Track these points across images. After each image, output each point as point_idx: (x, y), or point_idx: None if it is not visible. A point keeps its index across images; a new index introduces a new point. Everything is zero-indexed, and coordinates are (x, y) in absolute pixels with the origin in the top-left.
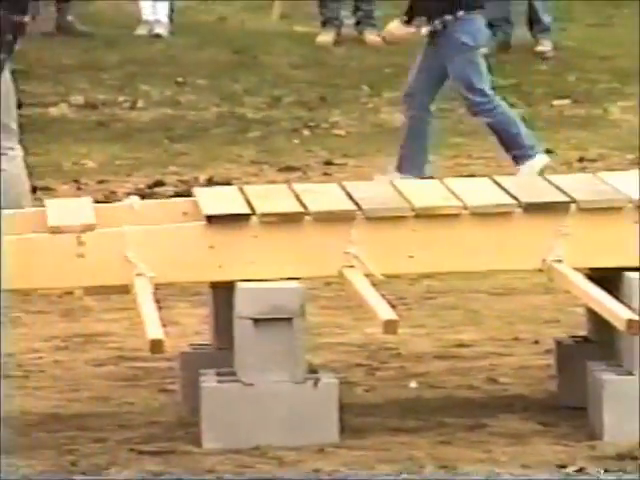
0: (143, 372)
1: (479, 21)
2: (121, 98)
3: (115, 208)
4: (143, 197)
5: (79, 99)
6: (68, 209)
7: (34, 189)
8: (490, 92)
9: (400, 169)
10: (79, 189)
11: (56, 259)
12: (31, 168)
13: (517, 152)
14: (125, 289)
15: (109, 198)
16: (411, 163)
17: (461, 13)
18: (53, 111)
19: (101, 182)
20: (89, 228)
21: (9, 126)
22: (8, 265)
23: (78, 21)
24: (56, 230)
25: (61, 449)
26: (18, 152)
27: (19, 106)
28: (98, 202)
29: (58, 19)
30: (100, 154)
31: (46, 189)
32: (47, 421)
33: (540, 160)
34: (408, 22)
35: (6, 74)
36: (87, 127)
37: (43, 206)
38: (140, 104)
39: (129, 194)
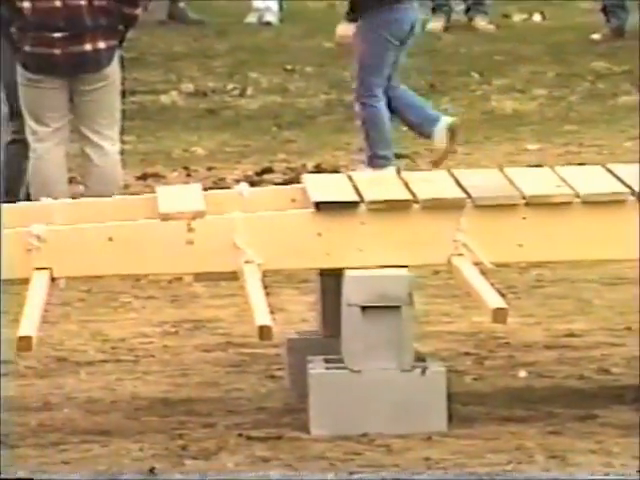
0: (251, 358)
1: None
2: (230, 86)
3: (224, 195)
4: (252, 184)
5: (189, 87)
6: (178, 196)
7: (145, 176)
8: (379, 88)
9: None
10: (189, 176)
11: (166, 245)
12: (142, 155)
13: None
14: (233, 275)
15: (218, 185)
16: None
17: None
18: (164, 99)
19: (210, 169)
20: (199, 215)
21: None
22: (120, 251)
23: (190, 9)
24: (166, 217)
25: (171, 433)
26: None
27: (131, 93)
28: (207, 189)
29: (171, 7)
30: (209, 141)
31: (156, 176)
32: (157, 406)
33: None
34: (353, 20)
35: (115, 63)
36: (197, 114)
37: (154, 193)
38: (249, 92)
39: (238, 181)
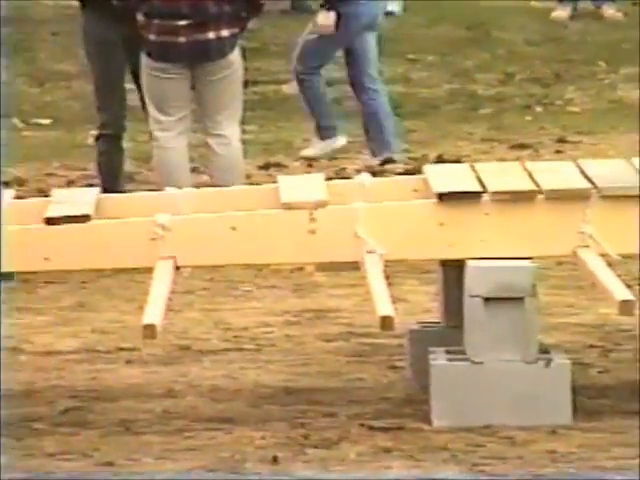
0: (372, 348)
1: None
2: None
3: (346, 185)
4: (373, 174)
5: None
6: (300, 186)
7: (267, 165)
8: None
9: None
10: (310, 166)
11: (288, 235)
12: (264, 145)
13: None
14: (355, 265)
15: (340, 175)
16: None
17: None
18: (286, 88)
19: (332, 159)
20: (321, 205)
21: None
22: (242, 241)
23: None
24: (288, 206)
25: (293, 422)
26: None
27: (253, 83)
28: (329, 179)
29: None
30: None
31: (278, 166)
32: (279, 394)
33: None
34: (330, 8)
35: (237, 52)
36: None
37: (275, 183)
38: None
39: (359, 171)
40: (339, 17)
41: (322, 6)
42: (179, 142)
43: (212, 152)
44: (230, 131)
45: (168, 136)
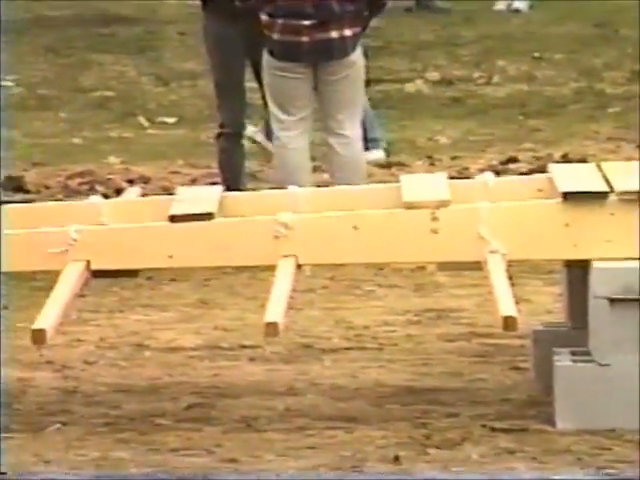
0: (495, 349)
1: None
2: (477, 74)
3: (469, 184)
4: (497, 173)
5: (435, 75)
6: (422, 185)
7: (389, 165)
8: None
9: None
10: (432, 165)
11: (410, 234)
12: (386, 144)
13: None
14: (477, 265)
15: (462, 174)
16: None
17: None
18: (409, 87)
19: (454, 158)
20: (443, 204)
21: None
22: (364, 240)
23: None
24: (411, 205)
25: (414, 422)
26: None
27: (376, 82)
28: (452, 178)
29: None
30: (454, 130)
31: (400, 165)
32: (400, 394)
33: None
34: None
35: (359, 51)
36: (442, 103)
37: (398, 182)
38: (496, 80)
39: (482, 170)
40: None
41: None
42: (301, 141)
43: (333, 152)
44: (351, 131)
45: (290, 135)
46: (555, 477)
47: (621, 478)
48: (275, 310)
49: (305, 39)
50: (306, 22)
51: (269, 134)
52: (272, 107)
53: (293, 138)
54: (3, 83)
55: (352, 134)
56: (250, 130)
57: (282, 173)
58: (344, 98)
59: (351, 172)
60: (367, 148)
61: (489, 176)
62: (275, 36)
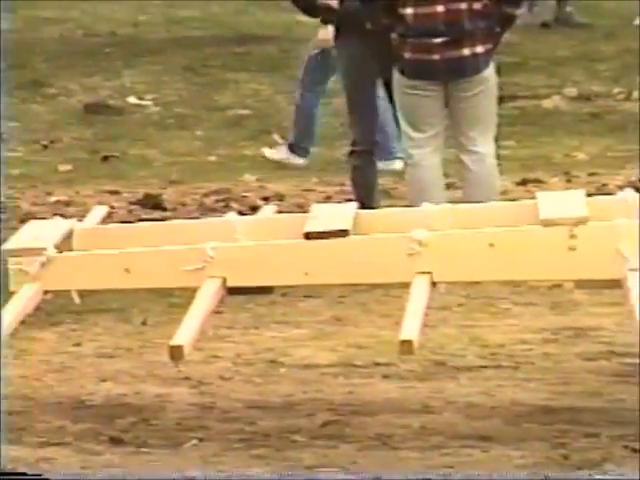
0: (635, 369)
1: None
2: (616, 89)
3: (607, 201)
4: (637, 190)
5: (573, 91)
6: (560, 202)
7: (524, 182)
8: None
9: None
10: (569, 182)
11: (547, 252)
12: (522, 161)
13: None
14: (616, 283)
15: (601, 191)
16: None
17: None
18: (546, 103)
19: (592, 175)
20: (581, 221)
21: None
22: (500, 257)
23: (577, 12)
24: (548, 223)
25: (552, 442)
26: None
27: (512, 98)
28: (589, 195)
29: (557, 10)
30: (592, 146)
31: (536, 181)
32: (537, 413)
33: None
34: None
35: (492, 67)
36: (580, 119)
37: (534, 199)
38: (635, 95)
39: (621, 187)
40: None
41: (322, 21)
42: (433, 159)
43: (466, 169)
44: (484, 147)
45: (422, 153)
46: (555, 477)
47: (621, 478)
48: (410, 327)
49: (436, 57)
50: (438, 40)
51: (293, 148)
52: (404, 125)
53: (425, 155)
54: (143, 102)
55: (484, 150)
56: (267, 152)
57: (415, 190)
58: (476, 115)
59: (484, 188)
60: (387, 158)
61: (629, 193)
62: (406, 55)
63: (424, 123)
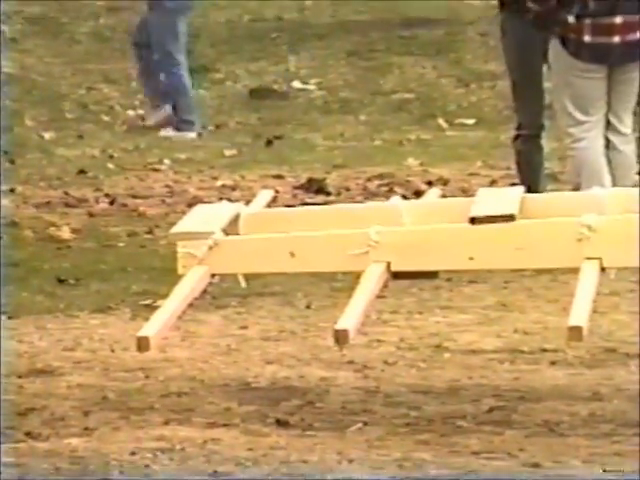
0: None
1: None
2: None
3: None
4: None
5: None
6: None
7: None
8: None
9: None
10: None
11: None
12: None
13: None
14: None
15: None
16: None
17: None
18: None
19: None
20: None
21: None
22: None
23: None
24: None
25: None
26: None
27: None
28: None
29: None
30: None
31: None
32: None
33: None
34: None
35: None
36: None
37: None
38: None
39: None
40: None
41: None
42: (599, 141)
43: (614, 150)
44: (628, 128)
45: (590, 137)
46: (554, 477)
47: (621, 478)
48: (579, 314)
49: (617, 40)
50: (618, 20)
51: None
52: (571, 108)
53: (593, 139)
54: (307, 87)
55: (628, 131)
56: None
57: (584, 174)
58: (626, 97)
59: (631, 169)
60: (179, 129)
61: None
62: (585, 38)
63: (593, 106)
